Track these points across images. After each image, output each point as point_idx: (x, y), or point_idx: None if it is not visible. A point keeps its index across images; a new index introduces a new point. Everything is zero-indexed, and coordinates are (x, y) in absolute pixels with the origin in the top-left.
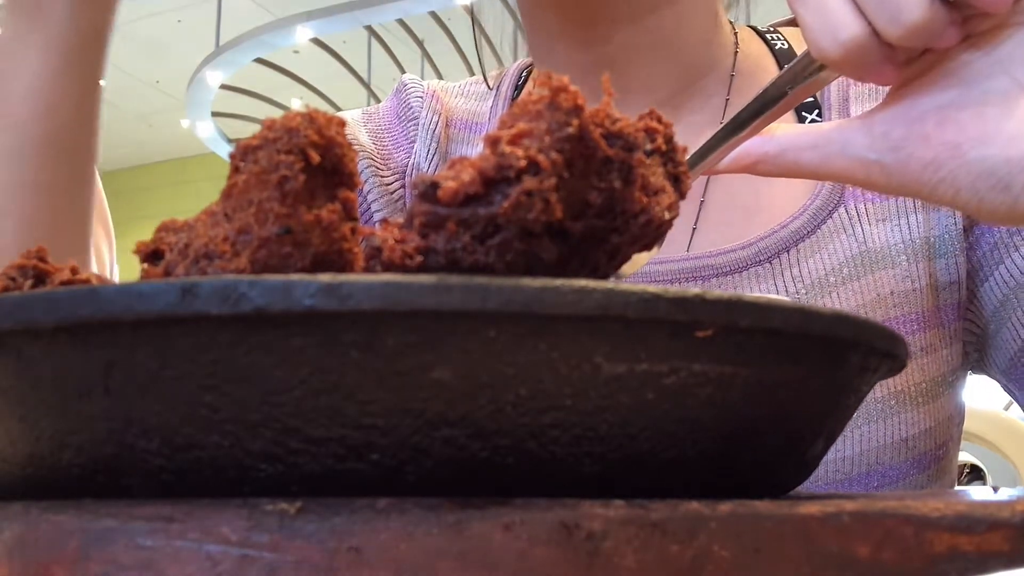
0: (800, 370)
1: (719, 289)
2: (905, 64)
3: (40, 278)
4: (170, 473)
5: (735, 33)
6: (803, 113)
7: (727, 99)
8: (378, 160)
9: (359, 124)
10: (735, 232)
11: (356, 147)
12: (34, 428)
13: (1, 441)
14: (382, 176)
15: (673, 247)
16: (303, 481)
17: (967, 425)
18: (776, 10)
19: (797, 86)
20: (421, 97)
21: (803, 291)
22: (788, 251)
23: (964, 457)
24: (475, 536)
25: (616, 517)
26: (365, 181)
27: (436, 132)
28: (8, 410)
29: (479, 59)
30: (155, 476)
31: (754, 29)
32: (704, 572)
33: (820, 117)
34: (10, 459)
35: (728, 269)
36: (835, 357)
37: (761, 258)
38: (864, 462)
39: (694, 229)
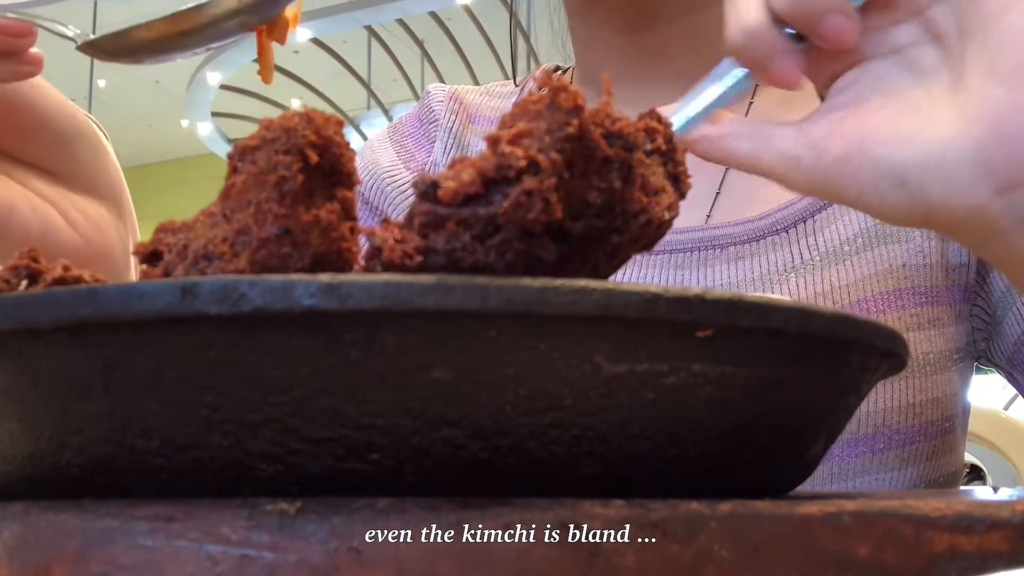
0: (800, 370)
1: (737, 256)
2: (828, 78)
3: (34, 278)
4: (170, 473)
5: None
6: None
7: (753, 95)
8: (399, 165)
9: (385, 140)
10: (755, 201)
11: (372, 169)
12: (34, 428)
13: (1, 441)
14: (399, 179)
15: (695, 213)
16: (303, 481)
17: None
18: None
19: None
20: (442, 101)
21: (818, 259)
22: (805, 221)
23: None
24: (475, 536)
25: (616, 517)
26: (384, 197)
27: (454, 130)
28: (8, 410)
29: (512, 52)
30: (155, 476)
31: None
32: (704, 572)
33: None
34: (10, 459)
35: (746, 238)
36: (835, 357)
37: (778, 228)
38: (871, 423)
39: (717, 194)
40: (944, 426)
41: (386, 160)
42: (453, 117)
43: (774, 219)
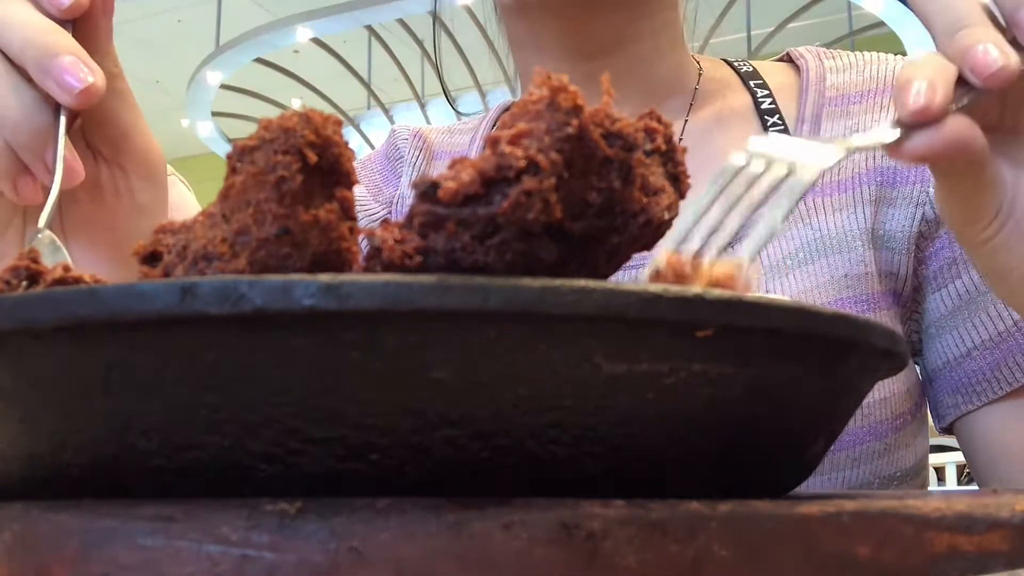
0: (800, 370)
1: None
2: None
3: (33, 279)
4: (170, 473)
5: (698, 63)
6: (765, 117)
7: (690, 105)
8: (368, 198)
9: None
10: None
11: None
12: (34, 428)
13: (1, 441)
14: (368, 210)
15: None
16: (303, 481)
17: None
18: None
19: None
20: (407, 139)
21: (763, 272)
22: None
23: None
24: (475, 536)
25: (616, 517)
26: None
27: (419, 165)
28: (8, 410)
29: (440, 76)
30: (155, 476)
31: (724, 60)
32: (704, 572)
33: (782, 122)
34: (10, 459)
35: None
36: (835, 357)
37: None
38: None
39: None
40: (894, 424)
41: (356, 192)
42: (417, 153)
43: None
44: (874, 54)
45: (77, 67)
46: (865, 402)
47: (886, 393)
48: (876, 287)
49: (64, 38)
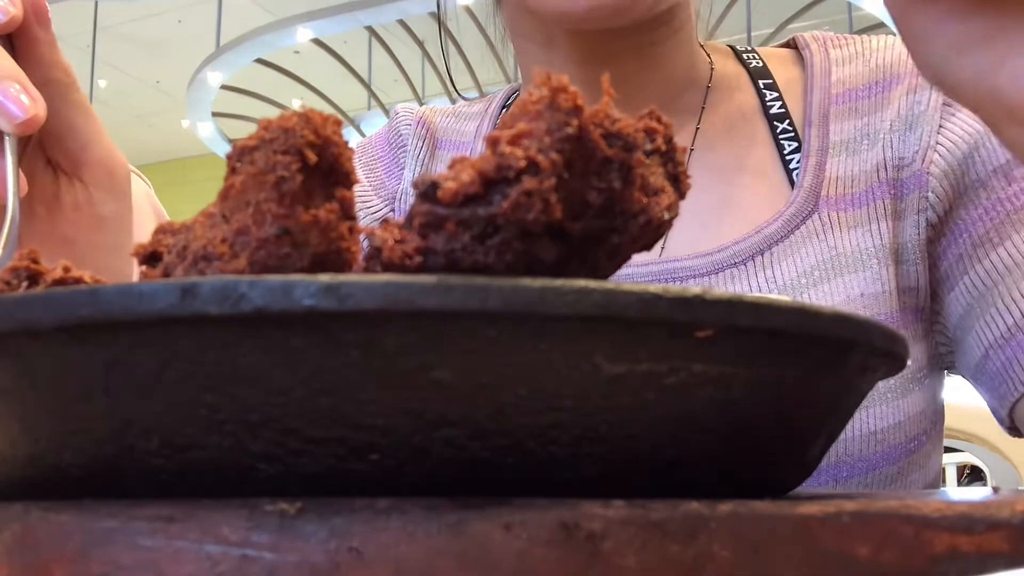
0: (800, 370)
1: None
2: None
3: (34, 279)
4: (170, 473)
5: (709, 55)
6: (775, 123)
7: (702, 108)
8: (370, 192)
9: (354, 162)
10: (709, 234)
11: None
12: (34, 429)
13: (1, 442)
14: (370, 206)
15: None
16: (303, 481)
17: (967, 425)
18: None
19: None
20: (410, 124)
21: (776, 292)
22: (762, 254)
23: (964, 457)
24: (475, 536)
25: (616, 517)
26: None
27: (422, 157)
28: (8, 411)
29: (447, 69)
30: (155, 476)
31: (732, 49)
32: (704, 572)
33: (792, 127)
34: (10, 459)
35: (704, 271)
36: (835, 357)
37: (736, 260)
38: (832, 452)
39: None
40: (909, 447)
41: (358, 187)
42: (420, 143)
43: (731, 252)
44: (882, 39)
45: (18, 95)
46: (879, 427)
47: (901, 417)
48: (895, 306)
49: (3, 60)
